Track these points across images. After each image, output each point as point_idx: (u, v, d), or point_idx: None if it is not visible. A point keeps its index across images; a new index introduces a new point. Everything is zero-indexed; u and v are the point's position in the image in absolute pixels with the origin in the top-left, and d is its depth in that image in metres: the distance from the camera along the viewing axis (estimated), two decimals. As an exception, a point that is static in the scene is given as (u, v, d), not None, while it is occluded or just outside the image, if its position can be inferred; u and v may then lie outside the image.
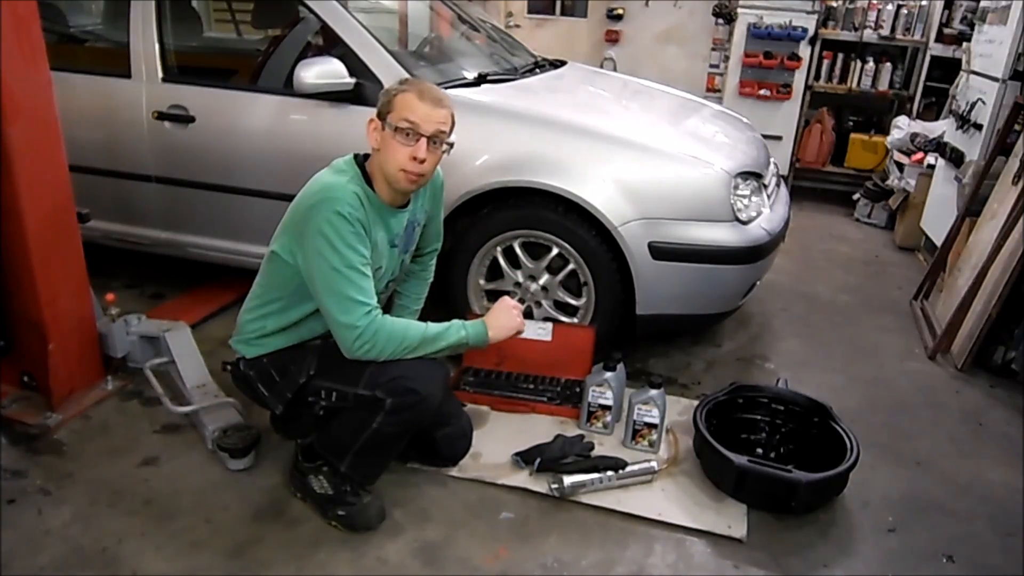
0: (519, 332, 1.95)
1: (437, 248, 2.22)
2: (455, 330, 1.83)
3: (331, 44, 2.73)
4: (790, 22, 5.05)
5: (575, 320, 2.62)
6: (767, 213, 2.65)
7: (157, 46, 2.79)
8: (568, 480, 2.02)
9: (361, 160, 1.84)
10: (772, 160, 3.07)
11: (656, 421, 2.21)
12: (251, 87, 2.83)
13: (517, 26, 6.06)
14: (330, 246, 1.69)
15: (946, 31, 4.88)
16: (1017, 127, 3.28)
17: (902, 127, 4.63)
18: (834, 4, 5.11)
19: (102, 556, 1.78)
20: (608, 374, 2.29)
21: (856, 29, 5.10)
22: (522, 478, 2.09)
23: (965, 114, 3.75)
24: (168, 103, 2.77)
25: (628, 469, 2.07)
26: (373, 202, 1.79)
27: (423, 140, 1.74)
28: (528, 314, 2.63)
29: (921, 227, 4.19)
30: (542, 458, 2.09)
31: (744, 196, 2.55)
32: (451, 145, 1.83)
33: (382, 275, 1.89)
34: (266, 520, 1.92)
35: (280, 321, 1.87)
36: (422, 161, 1.75)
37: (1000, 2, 3.62)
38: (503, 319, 1.91)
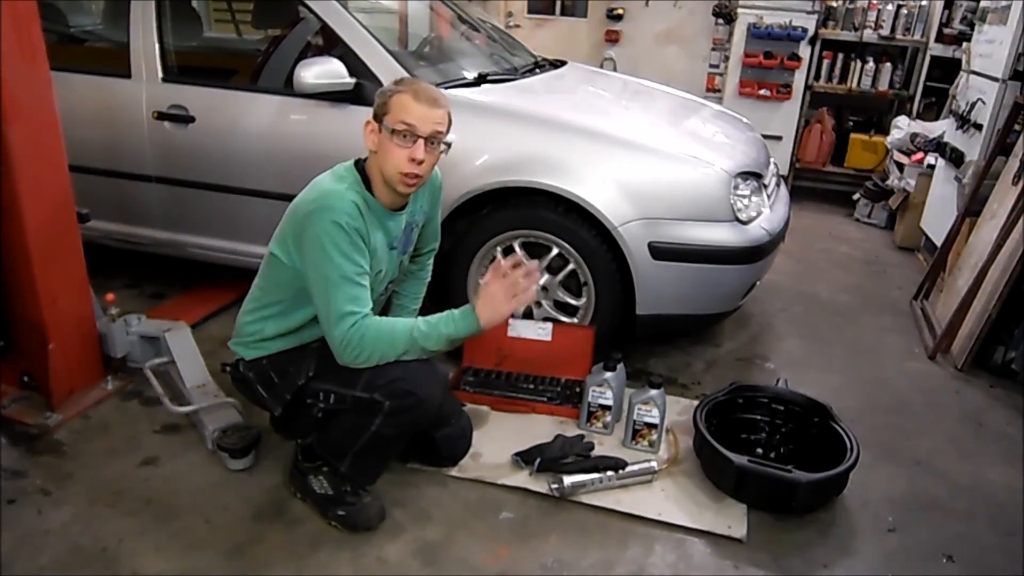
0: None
1: (435, 248, 2.21)
2: (443, 326, 1.76)
3: (331, 44, 2.73)
4: (790, 22, 5.05)
5: (575, 320, 2.62)
6: (767, 213, 2.65)
7: (157, 46, 2.79)
8: (568, 480, 2.02)
9: (362, 165, 1.83)
10: (772, 160, 3.07)
11: (656, 421, 2.21)
12: (251, 87, 2.83)
13: (517, 26, 6.06)
14: (326, 255, 1.69)
15: (946, 31, 4.88)
16: (1017, 127, 3.28)
17: (902, 127, 4.63)
18: (834, 4, 5.11)
19: (102, 556, 1.78)
20: (608, 374, 2.29)
21: (856, 29, 5.10)
22: (522, 478, 2.09)
23: (965, 114, 3.75)
24: (168, 103, 2.77)
25: (628, 469, 2.07)
26: (372, 207, 1.79)
27: (420, 141, 1.73)
28: (528, 314, 2.64)
29: (921, 227, 4.19)
30: (542, 458, 2.09)
31: (744, 196, 2.55)
32: (448, 145, 1.81)
33: (382, 278, 1.89)
34: (266, 520, 1.92)
35: (279, 326, 1.87)
36: (420, 162, 1.74)
37: (1000, 2, 3.62)
38: (489, 310, 1.76)
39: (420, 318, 1.79)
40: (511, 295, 1.76)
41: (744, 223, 2.51)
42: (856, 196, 4.98)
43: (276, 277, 1.85)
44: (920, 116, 4.99)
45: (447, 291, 2.63)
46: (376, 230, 1.80)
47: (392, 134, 1.72)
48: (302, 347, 1.88)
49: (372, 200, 1.79)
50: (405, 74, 2.48)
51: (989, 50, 3.71)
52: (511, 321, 2.52)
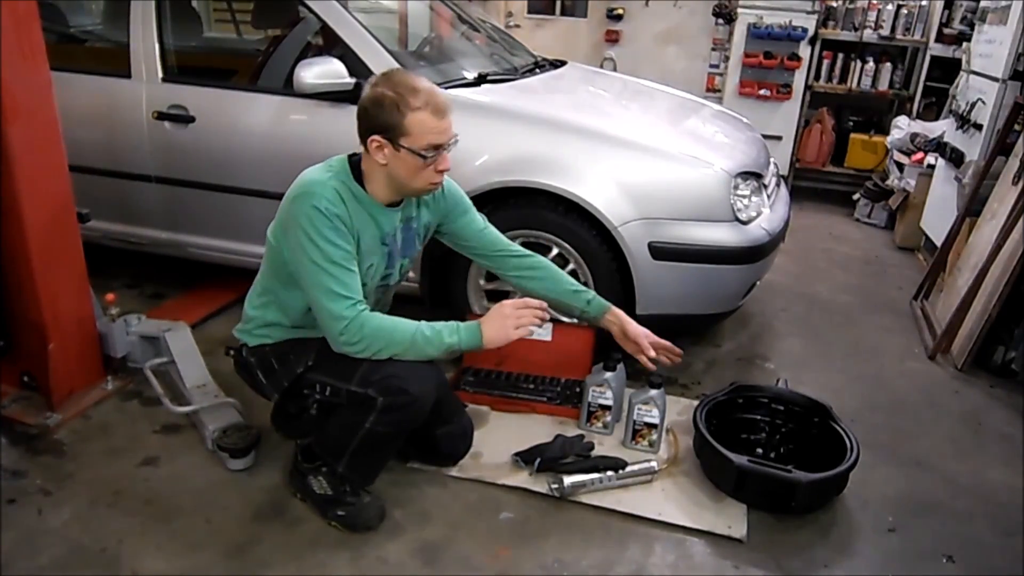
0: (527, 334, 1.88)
1: (507, 248, 2.10)
2: (447, 334, 1.78)
3: (331, 44, 2.73)
4: (790, 22, 5.05)
5: (575, 320, 2.62)
6: (767, 213, 2.65)
7: (157, 46, 2.79)
8: (568, 480, 2.02)
9: (356, 159, 1.83)
10: (772, 160, 3.07)
11: (656, 421, 2.21)
12: (251, 87, 2.84)
13: (517, 26, 6.06)
14: (309, 240, 1.70)
15: (946, 31, 4.88)
16: (1017, 127, 3.28)
17: (902, 127, 4.63)
18: (834, 4, 5.11)
19: (102, 556, 1.78)
20: (608, 374, 2.29)
21: (856, 29, 5.10)
22: (522, 478, 2.09)
23: (965, 114, 3.75)
24: (168, 103, 2.77)
25: (628, 469, 2.07)
26: (361, 199, 1.79)
27: (445, 152, 1.76)
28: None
29: (921, 227, 4.19)
30: (542, 458, 2.09)
31: (744, 196, 2.55)
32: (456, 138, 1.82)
33: (373, 272, 1.88)
34: (266, 520, 1.92)
35: (278, 315, 1.89)
36: (447, 169, 1.78)
37: (1000, 2, 3.62)
38: (496, 330, 1.81)
39: (424, 322, 1.79)
40: (521, 324, 1.81)
41: (744, 223, 2.51)
42: (856, 196, 4.98)
43: (271, 263, 1.87)
44: (920, 116, 4.98)
45: (447, 291, 2.63)
46: (365, 222, 1.80)
47: (417, 155, 1.71)
48: (305, 339, 1.88)
49: (360, 192, 1.79)
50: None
51: (989, 50, 3.71)
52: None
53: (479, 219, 2.10)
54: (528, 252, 2.12)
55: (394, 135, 1.70)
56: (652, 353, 2.06)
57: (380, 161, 1.75)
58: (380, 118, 1.70)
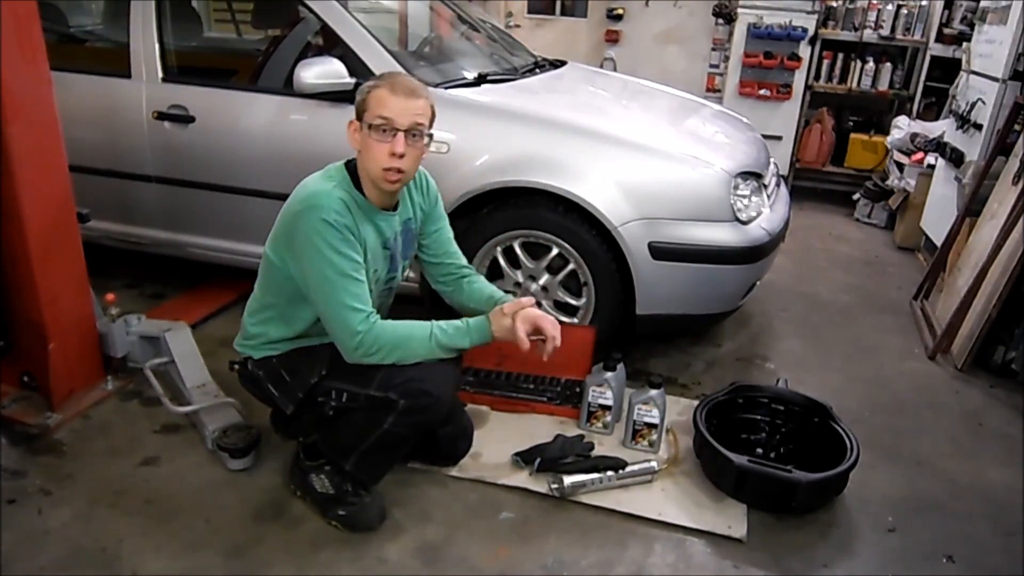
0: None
1: (462, 267, 2.08)
2: (459, 337, 1.80)
3: (331, 44, 2.73)
4: (790, 22, 5.05)
5: (575, 320, 2.62)
6: (767, 213, 2.65)
7: (157, 46, 2.79)
8: (568, 480, 2.02)
9: (353, 165, 1.83)
10: (772, 160, 3.07)
11: (656, 421, 2.21)
12: (251, 87, 2.84)
13: (517, 26, 6.07)
14: (320, 254, 1.68)
15: (946, 31, 4.88)
16: (1017, 127, 3.28)
17: (902, 127, 4.63)
18: (834, 4, 5.11)
19: (102, 556, 1.78)
20: (608, 374, 2.29)
21: (856, 29, 5.10)
22: (522, 478, 2.09)
23: (965, 114, 3.75)
24: (168, 103, 2.77)
25: (628, 469, 2.07)
26: (361, 205, 1.78)
27: (400, 135, 1.71)
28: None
29: (921, 227, 4.19)
30: (542, 458, 2.09)
31: (744, 196, 2.55)
32: (431, 136, 1.79)
33: (377, 277, 1.88)
34: (266, 520, 1.92)
35: (282, 331, 1.87)
36: (401, 156, 1.71)
37: (1000, 2, 3.63)
38: (505, 332, 1.84)
39: (435, 325, 1.79)
40: (526, 327, 1.84)
41: (744, 223, 2.51)
42: (856, 196, 4.98)
43: (270, 280, 1.85)
44: (920, 116, 4.98)
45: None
46: (367, 229, 1.79)
47: (371, 130, 1.71)
48: (313, 347, 1.87)
49: (361, 199, 1.79)
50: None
51: (989, 50, 3.71)
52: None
53: (450, 229, 2.09)
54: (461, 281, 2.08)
55: (360, 113, 1.74)
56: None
57: (355, 147, 1.77)
58: (356, 103, 1.76)
